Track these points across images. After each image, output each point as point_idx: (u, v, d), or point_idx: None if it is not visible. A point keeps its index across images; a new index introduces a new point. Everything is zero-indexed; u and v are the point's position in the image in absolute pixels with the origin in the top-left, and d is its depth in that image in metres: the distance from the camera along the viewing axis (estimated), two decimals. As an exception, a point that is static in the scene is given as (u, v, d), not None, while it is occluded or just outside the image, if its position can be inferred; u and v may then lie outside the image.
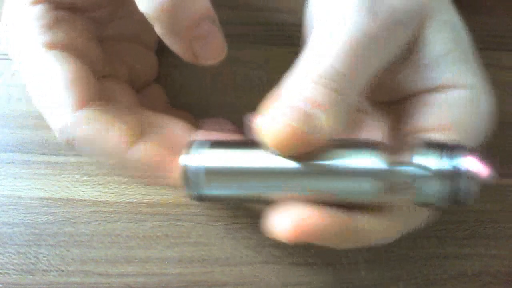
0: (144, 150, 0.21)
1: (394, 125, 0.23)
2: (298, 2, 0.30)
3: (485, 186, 0.18)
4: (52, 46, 0.22)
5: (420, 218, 0.23)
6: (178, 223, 0.28)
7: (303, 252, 0.27)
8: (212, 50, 0.22)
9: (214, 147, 0.21)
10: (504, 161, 0.28)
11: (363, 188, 0.19)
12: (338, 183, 0.19)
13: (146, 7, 0.20)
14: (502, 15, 0.31)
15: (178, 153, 0.21)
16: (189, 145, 0.21)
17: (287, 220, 0.19)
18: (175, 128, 0.23)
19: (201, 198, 0.21)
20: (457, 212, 0.28)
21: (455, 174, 0.18)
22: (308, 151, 0.19)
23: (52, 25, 0.22)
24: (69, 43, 0.23)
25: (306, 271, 0.27)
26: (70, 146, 0.22)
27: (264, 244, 0.27)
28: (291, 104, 0.19)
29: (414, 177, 0.19)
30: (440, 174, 0.18)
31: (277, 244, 0.27)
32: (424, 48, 0.21)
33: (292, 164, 0.19)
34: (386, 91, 0.23)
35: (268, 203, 0.20)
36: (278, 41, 0.30)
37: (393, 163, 0.20)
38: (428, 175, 0.18)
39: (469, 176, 0.18)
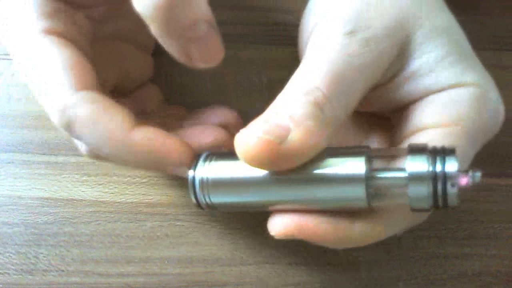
0: (146, 132, 0.21)
1: (398, 129, 0.23)
2: (298, 2, 0.30)
3: (486, 183, 0.18)
4: (50, 32, 0.22)
5: (410, 220, 0.23)
6: (178, 223, 0.28)
7: (303, 252, 0.27)
8: (208, 53, 0.21)
9: (219, 159, 0.22)
10: (504, 161, 0.28)
11: (354, 195, 0.20)
12: (330, 191, 0.20)
13: (142, 7, 0.20)
14: (502, 15, 0.31)
15: (175, 137, 0.22)
16: (197, 158, 0.22)
17: (283, 219, 0.21)
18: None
19: (207, 207, 0.22)
20: (457, 212, 0.28)
21: (440, 178, 0.18)
22: (287, 165, 0.19)
23: (51, 14, 0.22)
24: (66, 33, 0.23)
25: (306, 271, 0.27)
26: (68, 129, 0.21)
27: (264, 244, 0.27)
28: (265, 118, 0.19)
29: (401, 182, 0.19)
30: (424, 178, 0.19)
31: (277, 244, 0.27)
32: (415, 59, 0.22)
33: (285, 174, 0.20)
34: (386, 105, 0.23)
35: (268, 209, 0.22)
36: (278, 41, 0.30)
37: (381, 169, 0.20)
38: (413, 180, 0.19)
39: (455, 179, 0.18)
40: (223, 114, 0.26)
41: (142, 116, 0.26)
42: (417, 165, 0.19)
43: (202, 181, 0.21)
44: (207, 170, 0.21)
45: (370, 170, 0.20)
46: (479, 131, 0.21)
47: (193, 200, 0.22)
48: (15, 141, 0.29)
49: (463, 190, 0.18)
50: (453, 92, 0.21)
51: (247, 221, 0.28)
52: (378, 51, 0.21)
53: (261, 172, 0.20)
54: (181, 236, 0.27)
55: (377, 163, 0.21)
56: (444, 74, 0.21)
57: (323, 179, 0.20)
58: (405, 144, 0.22)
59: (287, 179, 0.20)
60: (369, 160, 0.20)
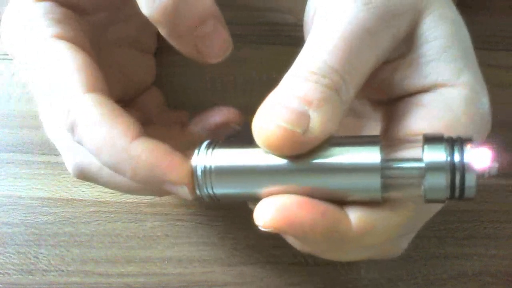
0: (149, 144, 0.20)
1: (389, 128, 0.23)
2: (298, 2, 0.30)
3: (486, 182, 0.18)
4: (61, 37, 0.22)
5: (416, 217, 0.22)
6: (178, 223, 0.28)
7: (303, 252, 0.27)
8: (217, 47, 0.21)
9: (222, 146, 0.20)
10: (504, 161, 0.28)
11: (368, 186, 0.19)
12: (343, 180, 0.19)
13: (149, 10, 0.20)
14: (501, 15, 0.31)
15: (178, 154, 0.21)
16: (199, 146, 0.21)
17: (271, 206, 0.19)
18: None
19: (210, 198, 0.21)
20: (457, 212, 0.28)
21: (459, 168, 0.18)
22: (304, 151, 0.19)
23: (61, 20, 0.23)
24: (75, 39, 0.23)
25: (306, 271, 0.27)
26: (72, 130, 0.21)
27: (264, 244, 0.27)
28: (282, 102, 0.19)
29: (417, 172, 0.19)
30: (443, 168, 0.18)
31: (277, 244, 0.27)
32: (421, 44, 0.21)
33: (296, 162, 0.19)
34: (384, 89, 0.23)
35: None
36: (278, 41, 0.30)
37: (395, 159, 0.20)
38: (431, 170, 0.18)
39: (473, 169, 0.18)
40: (224, 113, 0.26)
41: (145, 123, 0.26)
42: (435, 155, 0.18)
43: (205, 170, 0.20)
44: (210, 158, 0.20)
45: (387, 159, 0.19)
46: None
47: (196, 190, 0.20)
48: (15, 141, 0.29)
49: (478, 182, 0.18)
50: (447, 94, 0.21)
51: (247, 221, 0.28)
52: (392, 25, 0.20)
53: (269, 160, 0.19)
54: (181, 236, 0.27)
55: (393, 153, 0.20)
56: (443, 68, 0.21)
57: (337, 168, 0.19)
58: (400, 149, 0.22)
59: (298, 167, 0.19)
60: (385, 149, 0.19)
